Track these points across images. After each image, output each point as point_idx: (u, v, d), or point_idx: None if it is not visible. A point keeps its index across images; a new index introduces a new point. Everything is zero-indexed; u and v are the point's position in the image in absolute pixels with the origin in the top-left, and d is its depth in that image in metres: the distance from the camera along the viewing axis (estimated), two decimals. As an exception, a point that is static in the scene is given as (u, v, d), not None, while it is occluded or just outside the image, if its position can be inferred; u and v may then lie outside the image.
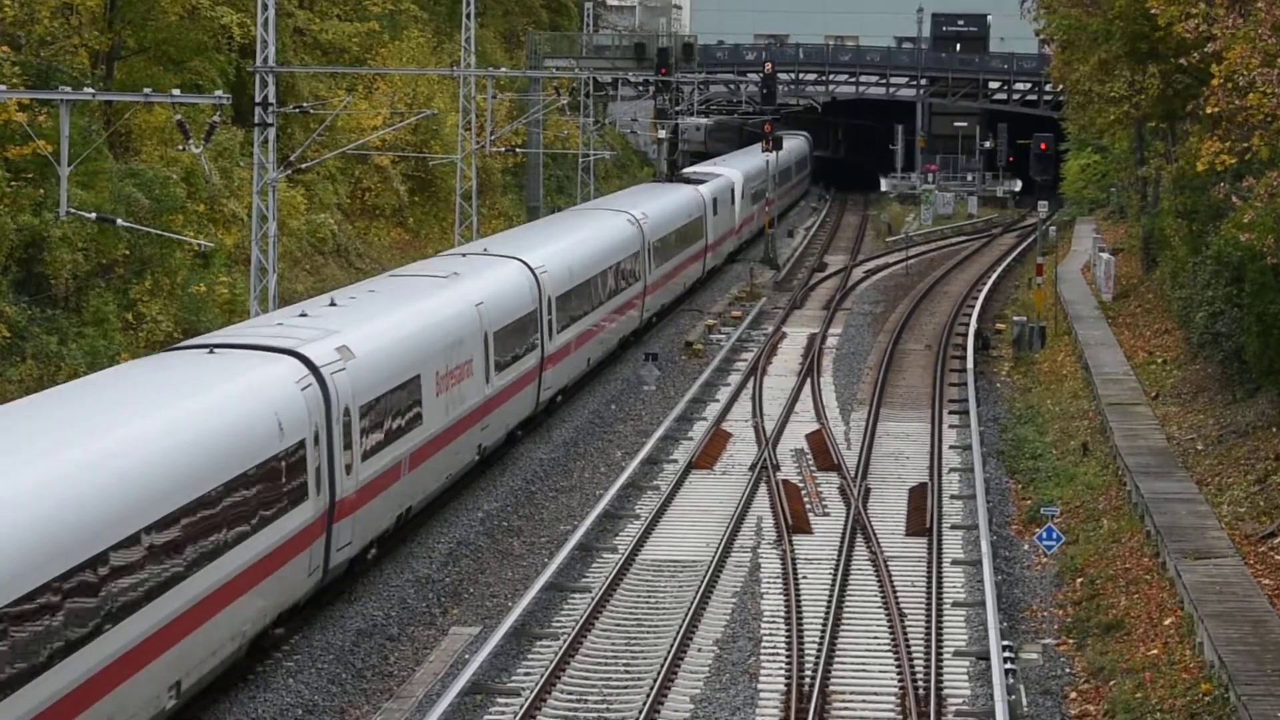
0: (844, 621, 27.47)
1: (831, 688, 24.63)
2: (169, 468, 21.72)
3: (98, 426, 21.78)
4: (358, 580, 29.18)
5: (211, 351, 26.60)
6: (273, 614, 25.16)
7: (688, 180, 70.45)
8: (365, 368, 28.56)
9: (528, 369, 39.25)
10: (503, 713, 23.89)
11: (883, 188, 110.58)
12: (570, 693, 24.66)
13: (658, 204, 59.14)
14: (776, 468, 37.42)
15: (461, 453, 34.40)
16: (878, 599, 28.60)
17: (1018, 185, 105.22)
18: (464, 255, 41.72)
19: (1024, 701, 24.04)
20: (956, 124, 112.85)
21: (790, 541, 31.65)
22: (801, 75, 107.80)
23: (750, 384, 47.66)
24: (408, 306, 33.28)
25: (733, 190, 73.42)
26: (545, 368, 40.82)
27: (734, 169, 77.66)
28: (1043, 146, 70.94)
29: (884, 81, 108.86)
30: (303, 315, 30.17)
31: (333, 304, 31.95)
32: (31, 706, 18.18)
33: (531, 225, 56.67)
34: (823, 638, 26.20)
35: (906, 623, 27.12)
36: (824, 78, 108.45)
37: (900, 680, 24.88)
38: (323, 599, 27.78)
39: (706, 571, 29.71)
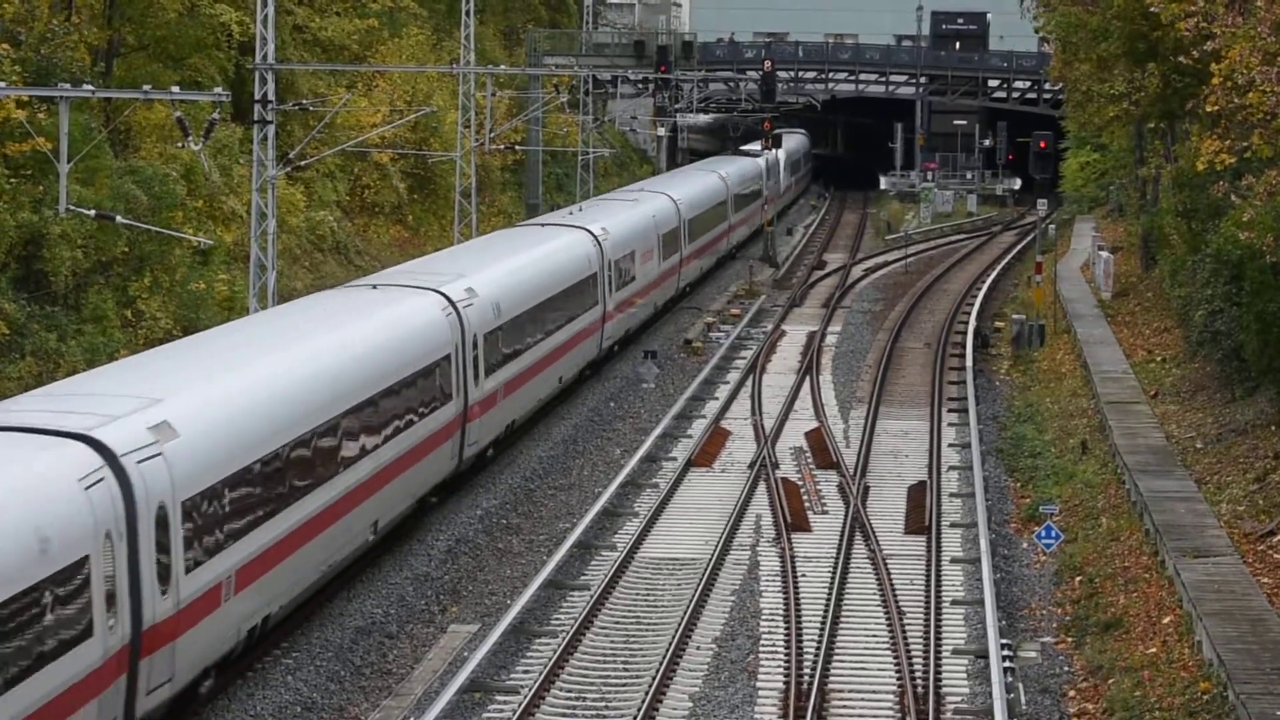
0: (843, 620, 27.47)
1: (830, 686, 24.63)
2: (553, 271, 42.16)
3: (520, 250, 41.85)
4: (612, 359, 50.35)
5: (543, 227, 47.18)
6: (581, 365, 45.07)
7: (748, 154, 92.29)
8: (615, 241, 49.49)
9: (674, 264, 59.60)
10: (501, 710, 23.89)
11: (882, 186, 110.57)
12: (569, 690, 24.66)
13: (735, 169, 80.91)
14: (775, 466, 37.43)
15: (648, 306, 55.37)
16: (876, 597, 28.60)
17: (1017, 183, 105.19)
18: (629, 190, 65.08)
19: (1023, 700, 24.04)
20: (956, 122, 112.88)
21: (789, 539, 31.65)
22: (801, 73, 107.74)
23: (749, 382, 47.67)
24: (621, 214, 53.76)
25: (780, 163, 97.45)
26: (683, 266, 61.67)
27: (780, 148, 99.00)
28: (1042, 145, 70.75)
29: (883, 80, 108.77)
30: (571, 213, 53.02)
31: (580, 209, 54.63)
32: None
33: (664, 175, 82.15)
34: (821, 636, 26.20)
35: (905, 621, 27.12)
36: (823, 76, 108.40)
37: (899, 679, 24.87)
38: (320, 597, 27.79)
39: (705, 569, 29.71)
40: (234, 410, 23.48)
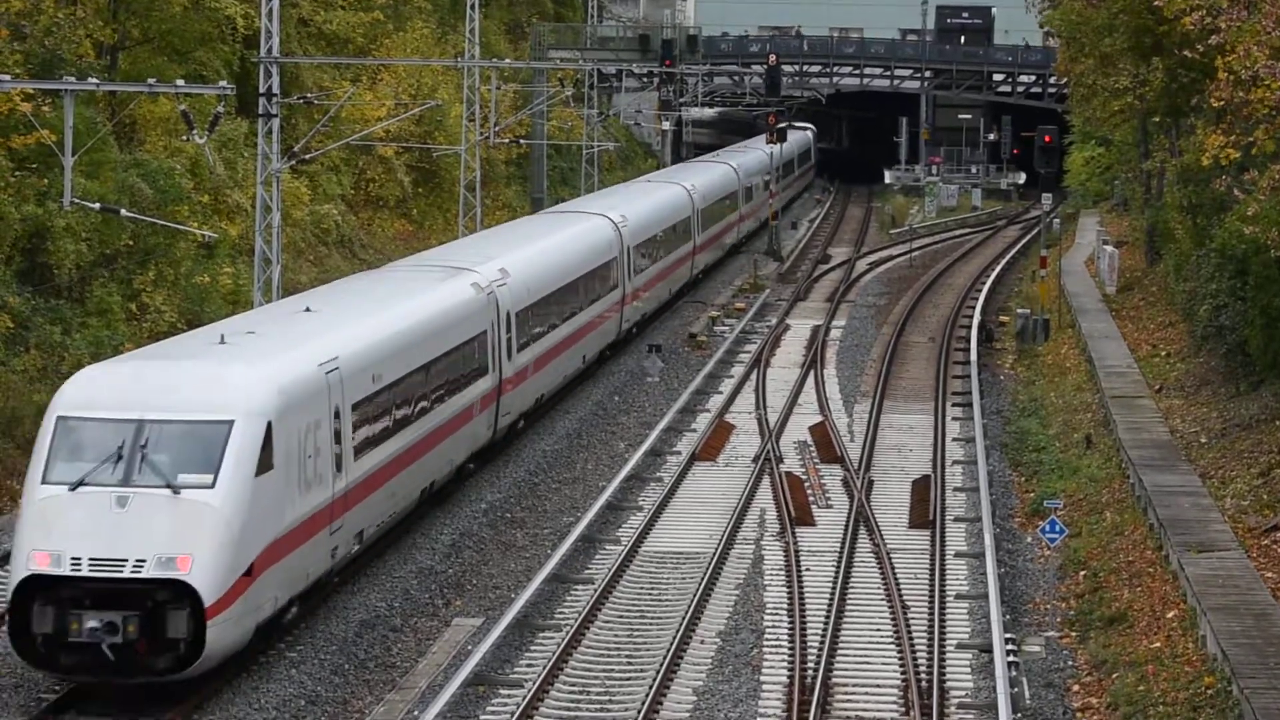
0: (847, 613, 27.48)
1: (834, 680, 24.64)
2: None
3: (652, 191, 57.50)
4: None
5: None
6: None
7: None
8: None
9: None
10: (505, 704, 23.90)
11: (887, 180, 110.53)
12: (573, 684, 24.67)
13: (790, 141, 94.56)
14: (780, 460, 37.41)
15: (730, 241, 74.19)
16: (880, 591, 28.60)
17: (1022, 178, 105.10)
18: (716, 155, 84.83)
19: (1026, 694, 24.04)
20: (960, 116, 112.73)
21: (793, 533, 31.65)
22: (806, 67, 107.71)
23: (754, 376, 47.65)
24: (723, 162, 74.28)
25: (811, 140, 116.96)
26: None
27: (810, 128, 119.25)
28: (1047, 139, 70.71)
29: (888, 74, 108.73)
30: (724, 160, 78.24)
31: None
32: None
33: (737, 144, 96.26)
34: (825, 630, 26.21)
35: (909, 615, 27.13)
36: (828, 70, 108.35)
37: (903, 672, 24.88)
38: (322, 594, 27.82)
39: (709, 563, 29.72)
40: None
